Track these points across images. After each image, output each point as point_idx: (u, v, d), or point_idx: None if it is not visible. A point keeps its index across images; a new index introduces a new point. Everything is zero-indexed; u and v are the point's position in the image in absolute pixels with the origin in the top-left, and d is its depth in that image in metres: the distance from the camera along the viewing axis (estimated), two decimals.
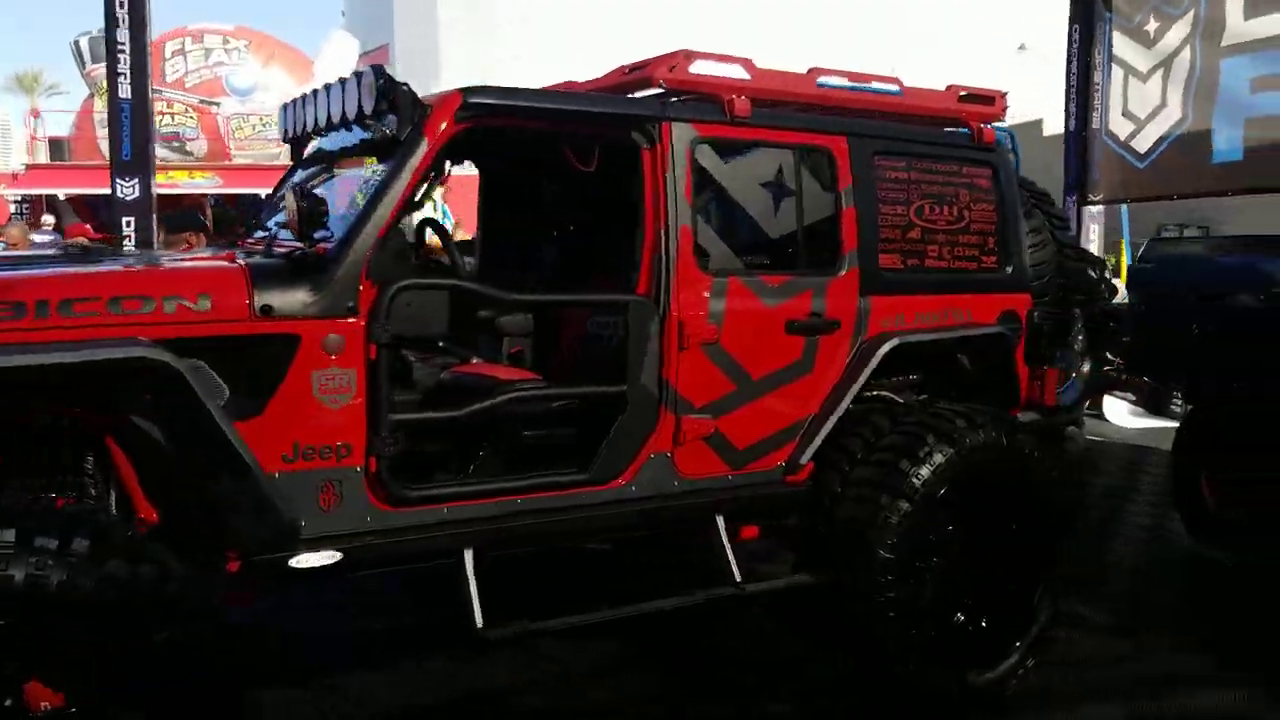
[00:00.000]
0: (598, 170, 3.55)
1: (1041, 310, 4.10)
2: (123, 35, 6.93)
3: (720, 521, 3.36)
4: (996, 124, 4.04)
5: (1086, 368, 4.98)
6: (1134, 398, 8.51)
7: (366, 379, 2.77)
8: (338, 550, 2.74)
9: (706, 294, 3.26)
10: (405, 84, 2.87)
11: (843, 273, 3.54)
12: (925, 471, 3.39)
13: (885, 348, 3.56)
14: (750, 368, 3.37)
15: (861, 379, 3.54)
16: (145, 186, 7.32)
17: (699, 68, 3.35)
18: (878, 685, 3.59)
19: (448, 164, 3.85)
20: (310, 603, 4.59)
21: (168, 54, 16.79)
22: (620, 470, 3.18)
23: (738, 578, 3.30)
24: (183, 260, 3.11)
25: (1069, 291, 4.52)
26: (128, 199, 7.25)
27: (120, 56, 6.92)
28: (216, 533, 2.66)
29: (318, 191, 3.45)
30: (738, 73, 3.45)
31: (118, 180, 7.28)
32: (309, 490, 2.74)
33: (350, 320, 2.74)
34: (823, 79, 3.67)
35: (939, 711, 3.61)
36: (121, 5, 6.90)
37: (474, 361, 3.68)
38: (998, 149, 3.98)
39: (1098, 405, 9.20)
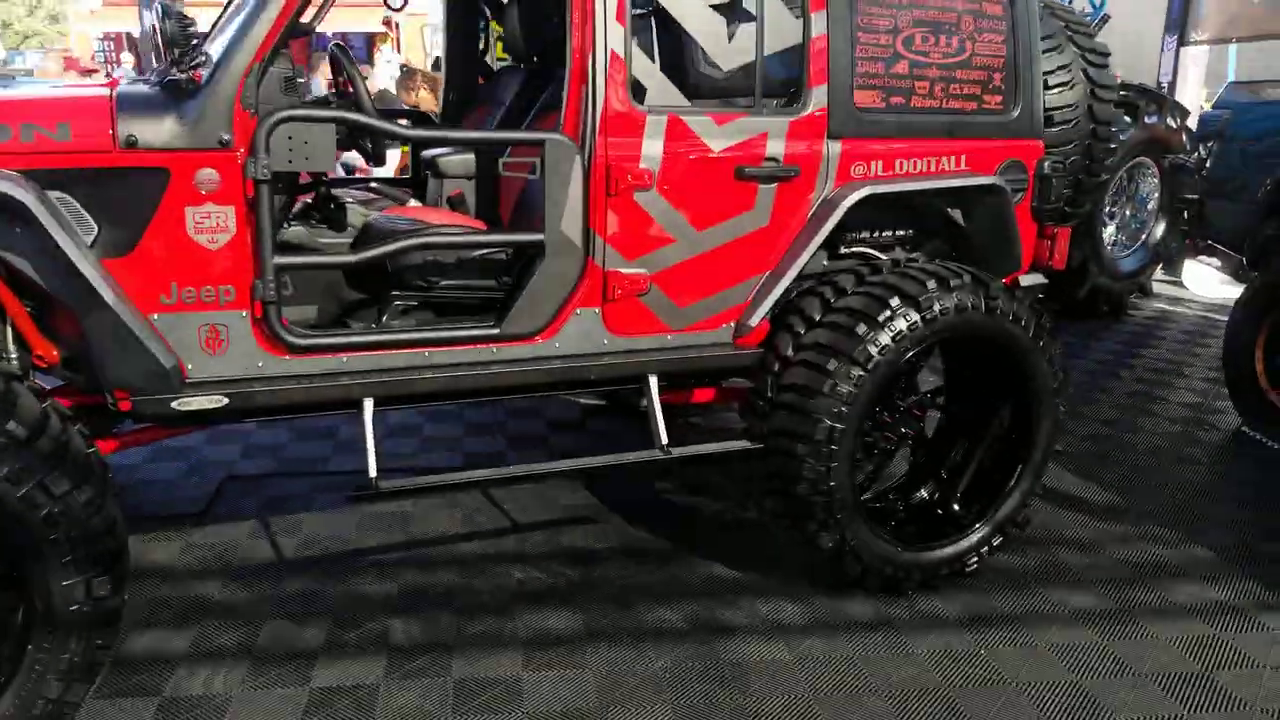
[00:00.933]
0: None
1: (1056, 160, 3.63)
2: None
3: (652, 382, 3.15)
4: None
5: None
6: (1219, 264, 7.78)
7: (247, 218, 2.61)
8: (223, 395, 2.66)
9: (640, 133, 2.95)
10: None
11: (807, 112, 3.16)
12: (884, 337, 3.09)
13: (851, 199, 3.20)
14: (692, 218, 3.08)
15: (822, 234, 3.21)
16: None
17: None
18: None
19: None
20: (260, 447, 4.67)
21: None
22: (541, 326, 2.98)
23: (664, 440, 3.12)
24: (56, 87, 2.95)
25: (1101, 140, 4.00)
26: None
27: None
28: (103, 372, 2.59)
29: None
30: None
31: (142, 10, 7.16)
32: (192, 333, 2.64)
33: (224, 153, 2.56)
34: None
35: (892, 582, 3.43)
36: None
37: (410, 205, 3.48)
38: None
39: (1179, 271, 8.51)
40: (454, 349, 2.90)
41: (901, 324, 3.11)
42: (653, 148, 2.97)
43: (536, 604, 3.35)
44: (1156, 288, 8.27)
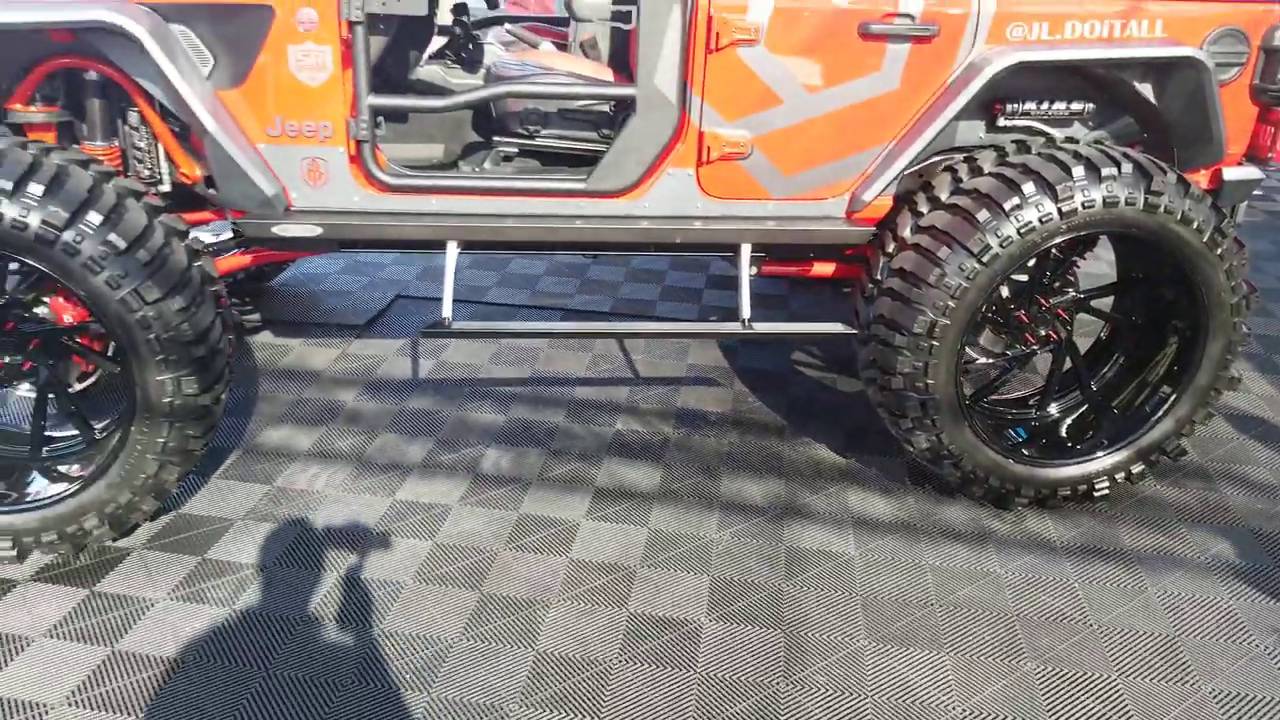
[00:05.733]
0: None
1: None
2: None
3: (744, 251, 3.01)
4: None
5: None
6: None
7: (344, 58, 2.70)
8: (319, 225, 2.86)
9: None
10: None
11: None
12: (1007, 228, 2.75)
13: (996, 66, 2.78)
14: (805, 79, 2.82)
15: (958, 104, 2.84)
16: None
17: None
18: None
19: None
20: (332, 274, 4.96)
21: None
22: (629, 184, 2.91)
23: (746, 314, 3.00)
24: None
25: None
26: None
27: None
28: (221, 192, 2.85)
29: None
30: None
31: None
32: (295, 165, 2.83)
33: None
34: None
35: (999, 495, 3.19)
36: None
37: (543, 47, 3.44)
38: None
39: None
40: (539, 200, 2.91)
41: (1031, 215, 2.73)
42: None
43: (623, 456, 3.43)
44: None
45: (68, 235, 2.41)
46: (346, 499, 3.12)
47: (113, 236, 2.45)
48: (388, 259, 5.09)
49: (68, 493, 2.69)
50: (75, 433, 2.87)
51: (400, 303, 4.62)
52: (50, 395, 2.79)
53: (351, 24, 2.63)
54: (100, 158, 2.76)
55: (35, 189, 2.39)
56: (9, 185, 2.37)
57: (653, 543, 2.99)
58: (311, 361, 4.01)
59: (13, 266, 2.67)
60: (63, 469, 2.85)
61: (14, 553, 2.69)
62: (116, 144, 2.95)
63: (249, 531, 2.94)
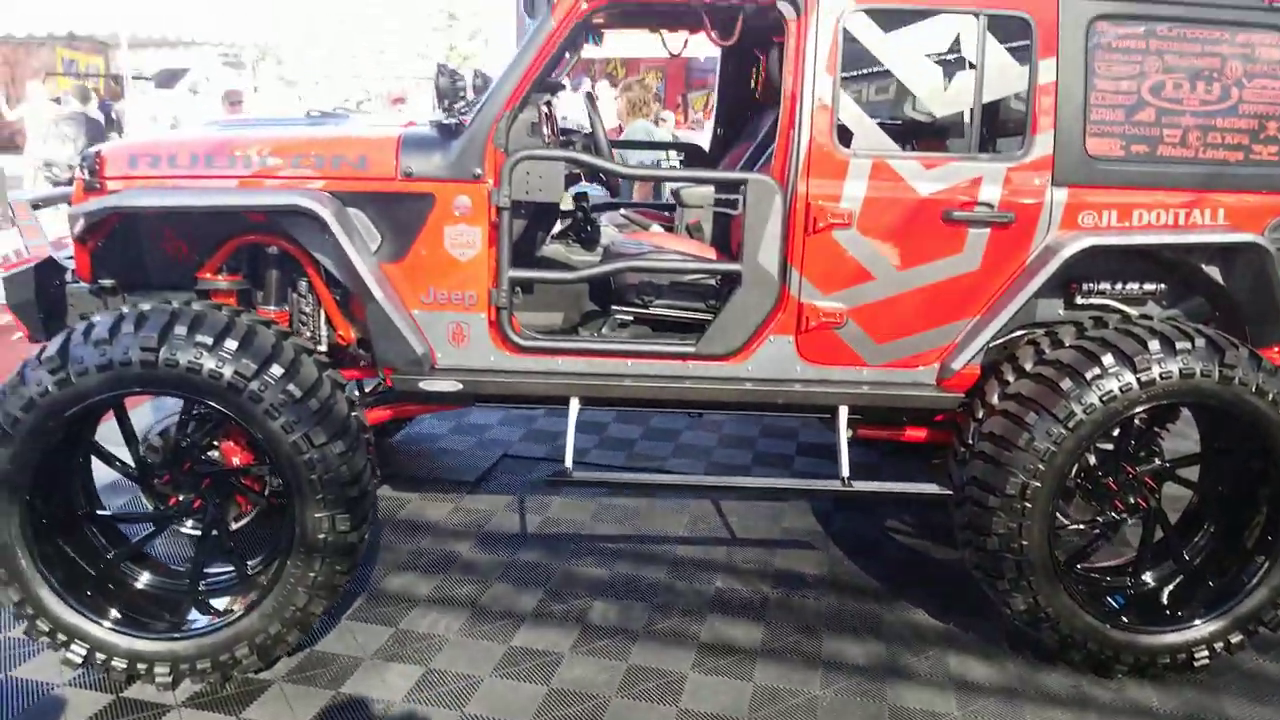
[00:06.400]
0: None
1: None
2: None
3: (842, 413, 3.25)
4: None
5: None
6: None
7: (491, 238, 3.13)
8: (460, 381, 3.21)
9: (843, 175, 3.09)
10: None
11: (1029, 159, 3.09)
12: (1090, 396, 2.95)
13: (1070, 250, 3.07)
14: (894, 258, 3.15)
15: (1036, 283, 3.12)
16: None
17: None
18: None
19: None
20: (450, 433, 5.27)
21: None
22: (734, 348, 3.22)
23: (845, 473, 3.20)
24: (369, 127, 3.64)
25: None
26: None
27: None
28: (377, 352, 3.24)
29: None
30: None
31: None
32: (442, 328, 3.21)
33: (476, 184, 3.10)
34: None
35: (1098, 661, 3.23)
36: None
37: (653, 229, 3.86)
38: None
39: None
40: (653, 361, 3.23)
41: (1112, 384, 2.94)
42: (855, 189, 3.09)
43: (725, 613, 3.57)
44: None
45: (254, 384, 2.78)
46: (465, 643, 3.31)
47: (290, 387, 2.82)
48: (494, 420, 5.44)
49: (224, 622, 2.94)
50: (230, 568, 3.15)
51: (506, 461, 4.92)
52: (212, 532, 3.09)
53: (499, 209, 3.06)
54: (274, 319, 3.18)
55: (230, 344, 2.79)
56: (210, 340, 2.77)
57: (758, 696, 3.09)
58: (427, 514, 4.28)
59: (193, 412, 3.05)
60: (213, 603, 3.12)
61: (170, 679, 2.92)
62: (286, 309, 3.39)
63: (378, 670, 3.14)
